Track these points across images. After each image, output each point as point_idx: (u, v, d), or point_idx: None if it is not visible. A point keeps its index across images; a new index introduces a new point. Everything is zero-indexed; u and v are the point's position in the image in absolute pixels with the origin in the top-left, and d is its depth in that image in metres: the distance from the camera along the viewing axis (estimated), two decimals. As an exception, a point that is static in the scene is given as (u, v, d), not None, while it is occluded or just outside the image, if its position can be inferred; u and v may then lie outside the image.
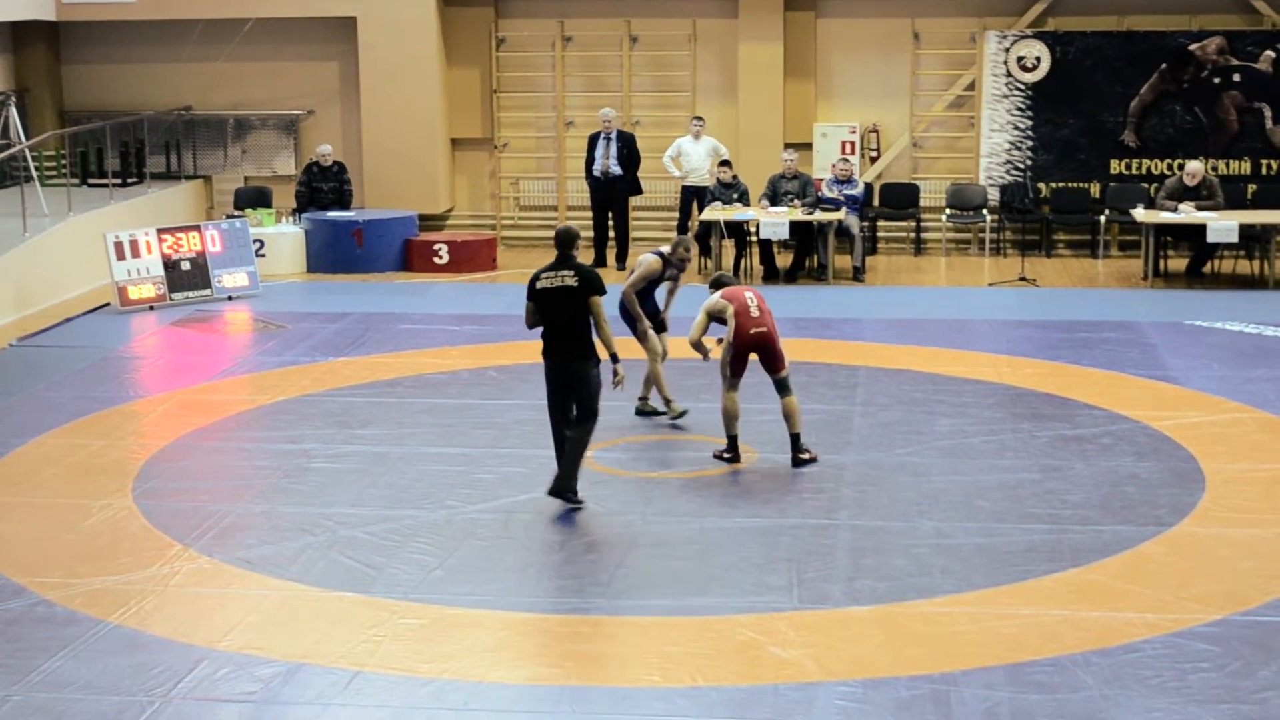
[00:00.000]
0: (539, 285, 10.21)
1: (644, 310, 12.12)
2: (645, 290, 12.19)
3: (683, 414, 12.09)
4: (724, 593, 8.76)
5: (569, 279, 10.12)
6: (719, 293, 11.28)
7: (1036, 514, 10.01)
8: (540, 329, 10.30)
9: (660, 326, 12.25)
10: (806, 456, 11.08)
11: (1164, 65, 19.57)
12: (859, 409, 12.53)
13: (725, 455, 11.17)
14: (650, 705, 7.45)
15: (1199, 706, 7.31)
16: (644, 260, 12.18)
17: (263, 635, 8.30)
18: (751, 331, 10.99)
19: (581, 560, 9.34)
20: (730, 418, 11.12)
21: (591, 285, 10.11)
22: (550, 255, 10.41)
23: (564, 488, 10.17)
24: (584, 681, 7.69)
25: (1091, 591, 8.73)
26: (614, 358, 10.23)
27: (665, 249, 12.18)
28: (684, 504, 10.32)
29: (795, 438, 11.10)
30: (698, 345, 11.34)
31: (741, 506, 10.27)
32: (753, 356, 11.10)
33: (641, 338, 12.08)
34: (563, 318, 10.15)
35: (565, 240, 10.22)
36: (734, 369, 11.10)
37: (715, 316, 11.20)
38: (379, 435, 11.92)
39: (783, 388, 11.11)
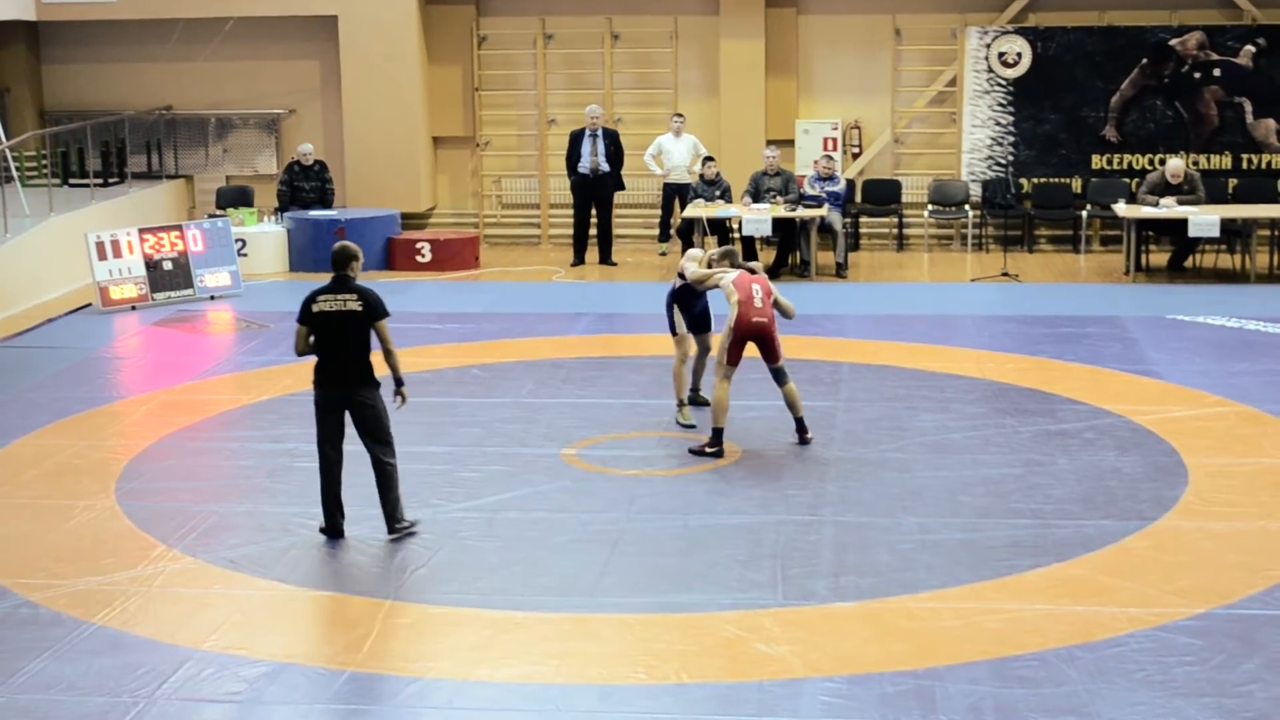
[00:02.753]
0: (315, 308, 9.51)
1: (692, 312, 12.05)
2: (693, 294, 12.09)
3: (691, 426, 11.98)
4: (709, 590, 8.77)
5: (352, 303, 9.47)
6: (731, 277, 11.39)
7: (1020, 509, 10.03)
8: (315, 356, 9.60)
9: (704, 325, 12.20)
10: (811, 436, 11.48)
11: (1144, 60, 19.62)
12: (842, 405, 12.55)
13: (709, 449, 11.19)
14: (635, 703, 7.45)
15: (1183, 700, 7.33)
16: (693, 254, 12.15)
17: (247, 635, 8.29)
18: (753, 320, 11.20)
19: (566, 558, 9.33)
20: (720, 409, 11.21)
21: (376, 310, 9.50)
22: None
23: (397, 525, 9.67)
24: (569, 680, 7.69)
25: (1075, 586, 8.74)
26: (399, 381, 9.56)
27: (703, 253, 12.16)
28: (668, 501, 10.32)
29: (800, 420, 11.47)
30: (701, 275, 11.70)
31: (726, 503, 10.27)
32: (749, 350, 11.29)
33: (679, 340, 12.02)
34: (343, 343, 9.49)
35: (341, 259, 9.55)
36: (731, 356, 11.24)
37: (724, 292, 11.42)
38: (362, 434, 11.89)
39: (780, 376, 11.41)
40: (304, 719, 7.35)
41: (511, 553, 9.43)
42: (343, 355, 9.51)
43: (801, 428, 11.47)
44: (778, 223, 18.10)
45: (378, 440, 9.64)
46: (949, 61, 20.33)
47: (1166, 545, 9.37)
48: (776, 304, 11.44)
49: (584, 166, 19.08)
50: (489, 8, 21.02)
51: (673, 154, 19.41)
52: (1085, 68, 19.72)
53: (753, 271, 11.61)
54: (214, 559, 9.35)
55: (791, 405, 11.46)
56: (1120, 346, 14.36)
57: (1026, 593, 8.67)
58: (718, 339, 11.96)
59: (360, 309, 9.48)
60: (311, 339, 9.59)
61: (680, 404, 12.10)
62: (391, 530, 9.65)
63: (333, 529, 9.68)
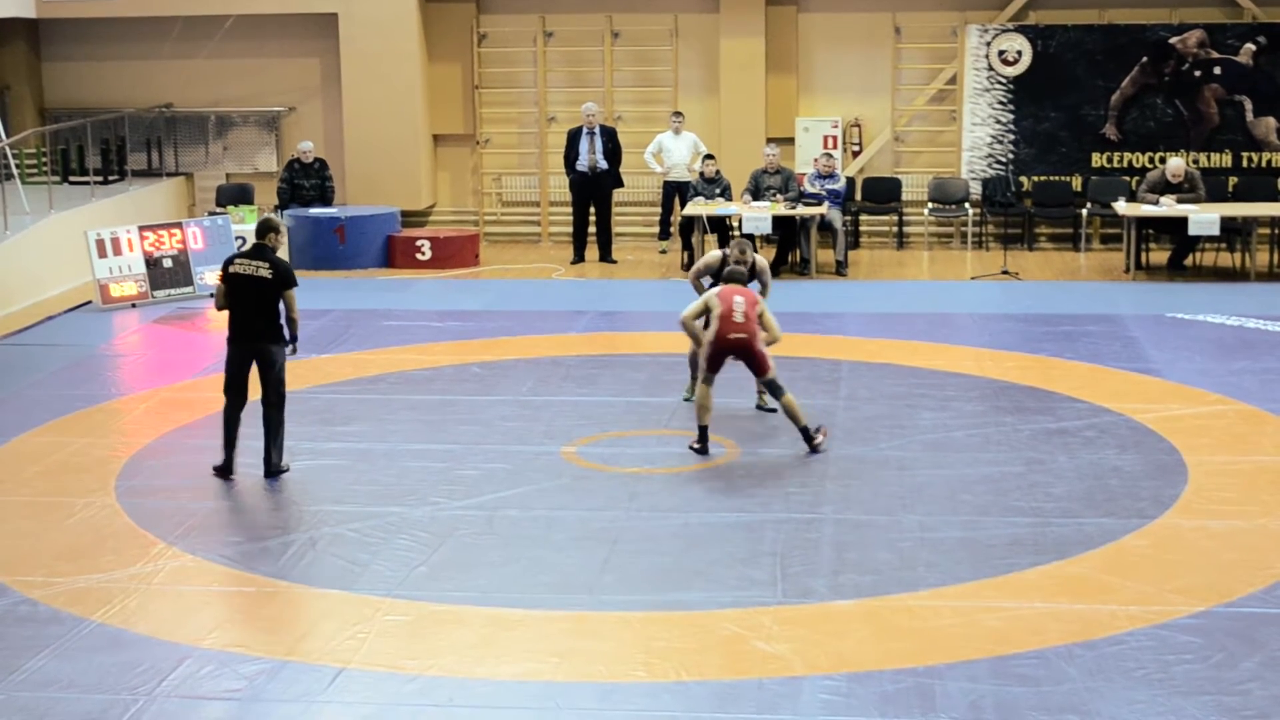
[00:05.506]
0: (232, 269, 10.68)
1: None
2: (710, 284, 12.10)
3: (689, 399, 12.08)
4: (708, 588, 8.77)
5: (263, 270, 10.60)
6: (715, 289, 11.36)
7: (1020, 507, 10.02)
8: (228, 312, 10.78)
9: None
10: (820, 440, 11.19)
11: (1145, 58, 19.60)
12: (842, 403, 12.54)
13: (695, 446, 11.20)
14: (635, 701, 7.45)
15: (1182, 698, 7.33)
16: (710, 255, 12.36)
17: (246, 632, 8.30)
18: (730, 336, 11.06)
19: (566, 556, 9.33)
20: (702, 409, 11.15)
21: (285, 279, 10.61)
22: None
23: (275, 469, 10.76)
24: (569, 677, 7.69)
25: (1075, 584, 8.74)
26: (294, 338, 10.78)
27: (728, 250, 12.19)
28: (668, 499, 10.32)
29: (804, 430, 11.19)
30: (688, 326, 11.41)
31: (725, 501, 10.27)
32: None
33: (692, 333, 11.99)
34: (253, 305, 10.64)
35: (261, 229, 10.73)
36: (711, 364, 11.18)
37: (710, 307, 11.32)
38: (362, 432, 11.90)
39: (774, 389, 11.21)
40: (304, 717, 7.35)
41: (511, 550, 9.43)
42: (251, 314, 10.66)
43: (807, 437, 11.20)
44: (778, 220, 18.09)
45: (275, 392, 10.72)
46: (949, 59, 20.32)
47: (1166, 543, 9.37)
48: (761, 319, 11.16)
49: (582, 164, 19.08)
50: (489, 5, 21.01)
51: (673, 152, 19.40)
52: (1085, 66, 19.71)
53: (739, 281, 11.49)
54: (213, 556, 9.35)
55: (792, 417, 11.19)
56: (1120, 345, 14.35)
57: (1026, 591, 8.67)
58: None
59: (270, 276, 10.59)
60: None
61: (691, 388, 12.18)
62: (269, 474, 10.73)
63: (227, 469, 10.74)
